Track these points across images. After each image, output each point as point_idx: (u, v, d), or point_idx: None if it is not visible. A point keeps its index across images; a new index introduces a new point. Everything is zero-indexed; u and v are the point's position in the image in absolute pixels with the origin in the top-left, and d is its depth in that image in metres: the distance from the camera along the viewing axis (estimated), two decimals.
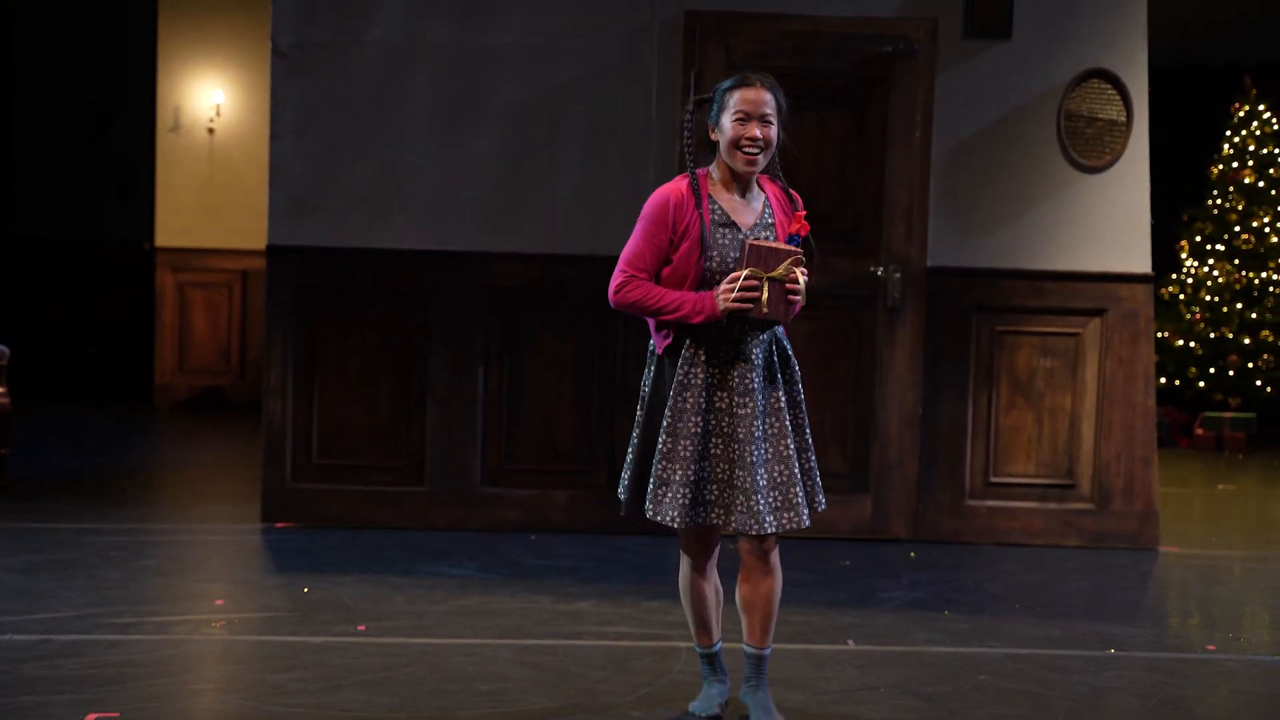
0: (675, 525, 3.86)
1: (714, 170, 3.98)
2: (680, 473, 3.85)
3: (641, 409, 3.99)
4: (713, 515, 3.89)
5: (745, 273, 3.76)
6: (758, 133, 3.86)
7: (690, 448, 3.86)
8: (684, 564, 4.11)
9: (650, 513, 3.89)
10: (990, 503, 6.83)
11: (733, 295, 3.77)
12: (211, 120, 11.37)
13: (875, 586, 5.87)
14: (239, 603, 5.31)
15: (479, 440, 6.77)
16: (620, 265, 3.91)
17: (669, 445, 3.87)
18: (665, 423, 3.87)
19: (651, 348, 4.00)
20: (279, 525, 6.69)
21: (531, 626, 5.06)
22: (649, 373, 4.00)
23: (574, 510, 6.78)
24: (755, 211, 3.96)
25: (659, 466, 3.87)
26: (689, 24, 6.69)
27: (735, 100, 3.87)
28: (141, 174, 11.46)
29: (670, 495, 3.85)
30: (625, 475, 4.02)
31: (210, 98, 11.37)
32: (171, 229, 11.42)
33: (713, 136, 3.95)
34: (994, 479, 6.84)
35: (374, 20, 6.71)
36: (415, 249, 6.73)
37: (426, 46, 6.72)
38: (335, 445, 6.76)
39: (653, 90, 6.72)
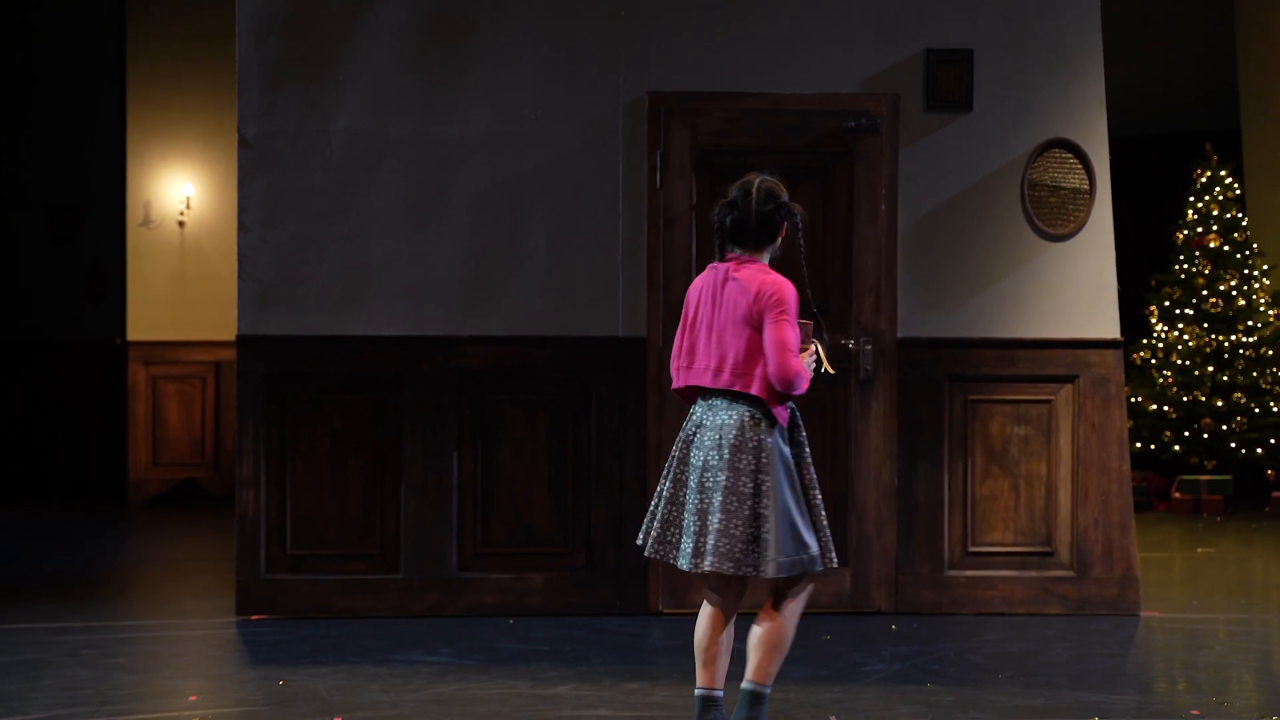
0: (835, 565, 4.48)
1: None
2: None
3: (781, 473, 4.35)
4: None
5: (815, 345, 4.49)
6: None
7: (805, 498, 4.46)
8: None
9: (830, 560, 4.42)
10: (970, 572, 6.81)
11: (817, 364, 4.49)
12: (182, 213, 11.39)
13: (857, 660, 5.83)
14: (213, 698, 5.23)
15: (454, 525, 6.72)
16: (793, 352, 4.35)
17: (811, 497, 4.44)
18: (800, 478, 4.41)
19: (763, 416, 4.36)
20: (254, 618, 6.62)
21: (510, 712, 5.00)
22: (775, 441, 4.36)
23: (551, 593, 6.73)
24: None
25: (815, 517, 4.42)
26: (653, 105, 6.74)
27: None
28: (112, 270, 11.45)
29: (826, 538, 4.44)
30: (794, 535, 4.35)
31: (180, 191, 11.40)
32: (143, 323, 11.39)
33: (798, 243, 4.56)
34: (973, 548, 6.82)
35: (339, 110, 6.75)
36: (385, 335, 6.73)
37: (391, 135, 6.76)
38: (309, 535, 6.70)
39: (618, 171, 6.76)
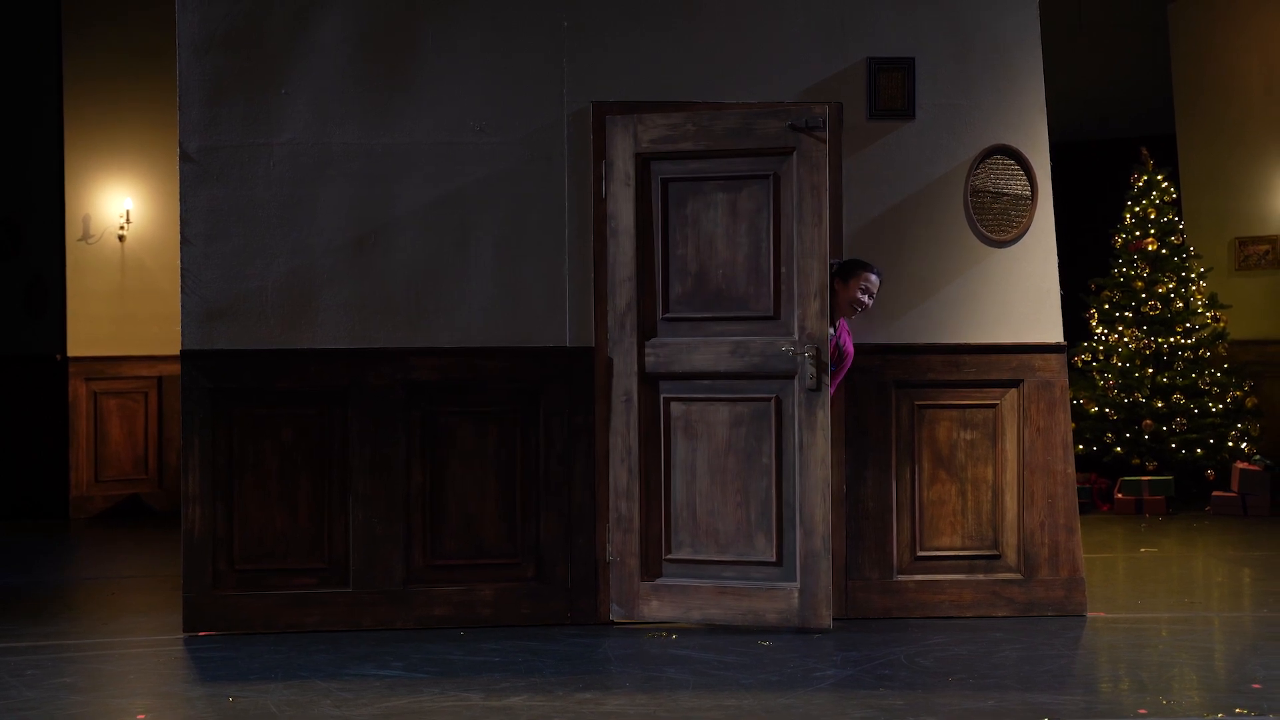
0: None
1: None
2: None
3: None
4: None
5: None
6: (868, 303, 6.74)
7: None
8: None
9: None
10: (919, 577, 6.85)
11: None
12: (122, 228, 11.28)
13: (808, 666, 5.85)
14: (162, 716, 5.18)
15: (402, 537, 6.70)
16: None
17: None
18: None
19: None
20: (202, 634, 6.56)
21: None
22: None
23: (502, 604, 6.72)
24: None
25: None
26: (597, 115, 6.75)
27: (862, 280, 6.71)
28: (52, 286, 11.32)
29: None
30: None
31: (120, 205, 11.28)
32: (84, 339, 11.26)
33: (837, 287, 6.69)
34: (921, 553, 6.87)
35: (282, 123, 6.71)
36: (331, 348, 6.69)
37: (336, 147, 6.73)
38: (257, 549, 6.65)
39: (564, 182, 6.77)
